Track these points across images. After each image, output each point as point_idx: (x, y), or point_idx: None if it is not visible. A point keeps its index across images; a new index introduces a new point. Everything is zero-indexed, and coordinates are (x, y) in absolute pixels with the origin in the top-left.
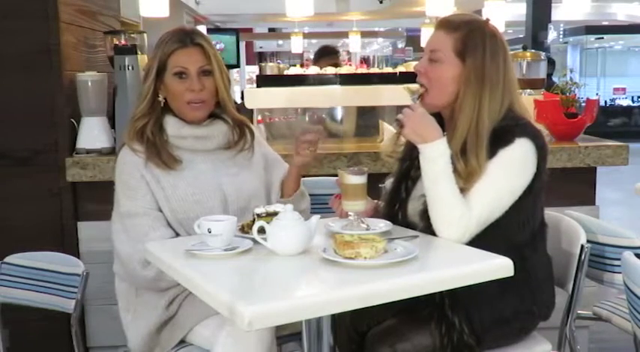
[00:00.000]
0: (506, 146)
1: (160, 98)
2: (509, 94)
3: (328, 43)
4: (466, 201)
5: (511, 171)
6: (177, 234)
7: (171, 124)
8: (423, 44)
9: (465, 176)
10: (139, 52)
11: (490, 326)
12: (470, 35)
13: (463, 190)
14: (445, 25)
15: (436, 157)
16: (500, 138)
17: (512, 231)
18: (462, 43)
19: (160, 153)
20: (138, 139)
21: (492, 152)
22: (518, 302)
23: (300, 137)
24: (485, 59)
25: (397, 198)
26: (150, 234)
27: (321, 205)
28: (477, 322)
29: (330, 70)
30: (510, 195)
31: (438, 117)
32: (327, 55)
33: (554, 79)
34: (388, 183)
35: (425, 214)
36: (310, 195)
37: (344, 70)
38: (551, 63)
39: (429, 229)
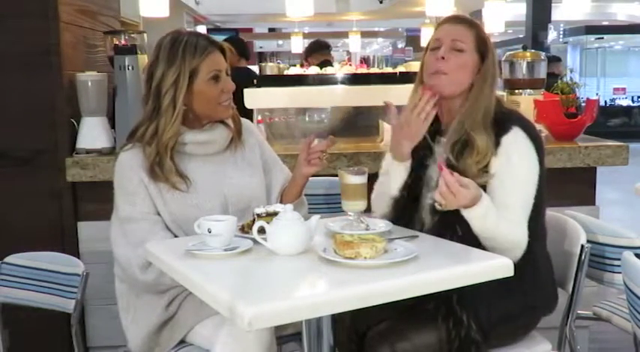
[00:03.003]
0: (506, 133)
1: (179, 108)
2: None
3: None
4: (506, 214)
5: (525, 166)
6: (176, 237)
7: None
8: (423, 44)
9: (483, 149)
10: (139, 52)
11: (496, 322)
12: (484, 35)
13: (478, 174)
14: (464, 21)
15: (484, 214)
16: (498, 126)
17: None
18: (481, 41)
19: (166, 176)
20: (154, 157)
21: (496, 142)
22: (523, 297)
23: (312, 146)
24: (494, 59)
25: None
26: (149, 239)
27: (321, 205)
28: (484, 318)
29: (330, 70)
30: (534, 185)
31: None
32: (318, 50)
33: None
34: None
35: (435, 210)
36: (310, 195)
37: (344, 70)
38: (557, 60)
39: (439, 224)
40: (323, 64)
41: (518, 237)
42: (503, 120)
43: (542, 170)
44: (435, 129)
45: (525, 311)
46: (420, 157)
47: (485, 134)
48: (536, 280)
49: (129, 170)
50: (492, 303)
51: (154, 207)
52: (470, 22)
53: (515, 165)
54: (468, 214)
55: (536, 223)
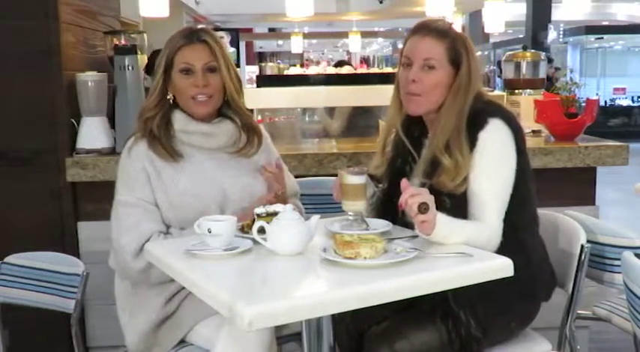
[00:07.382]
0: (482, 129)
1: (169, 96)
2: (478, 86)
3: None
4: (480, 213)
5: (498, 159)
6: (169, 228)
7: (178, 119)
8: None
9: (453, 169)
10: (139, 52)
11: (494, 315)
12: (457, 42)
13: (457, 187)
14: (434, 32)
15: (446, 234)
16: (474, 122)
17: (513, 210)
18: (453, 50)
19: (163, 144)
20: (142, 131)
21: (472, 138)
22: (520, 287)
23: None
24: (470, 65)
25: (395, 194)
26: (141, 225)
27: (321, 205)
28: (481, 313)
29: (331, 70)
30: (509, 178)
31: (420, 118)
32: None
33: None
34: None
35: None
36: (310, 195)
37: (344, 70)
38: (548, 61)
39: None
40: None
41: (488, 236)
42: (479, 115)
43: (525, 159)
44: (419, 132)
45: (520, 301)
46: (400, 163)
47: (448, 155)
48: (528, 269)
49: (133, 157)
50: (487, 296)
51: (152, 197)
52: (441, 32)
53: (489, 161)
54: (432, 238)
55: (523, 213)
